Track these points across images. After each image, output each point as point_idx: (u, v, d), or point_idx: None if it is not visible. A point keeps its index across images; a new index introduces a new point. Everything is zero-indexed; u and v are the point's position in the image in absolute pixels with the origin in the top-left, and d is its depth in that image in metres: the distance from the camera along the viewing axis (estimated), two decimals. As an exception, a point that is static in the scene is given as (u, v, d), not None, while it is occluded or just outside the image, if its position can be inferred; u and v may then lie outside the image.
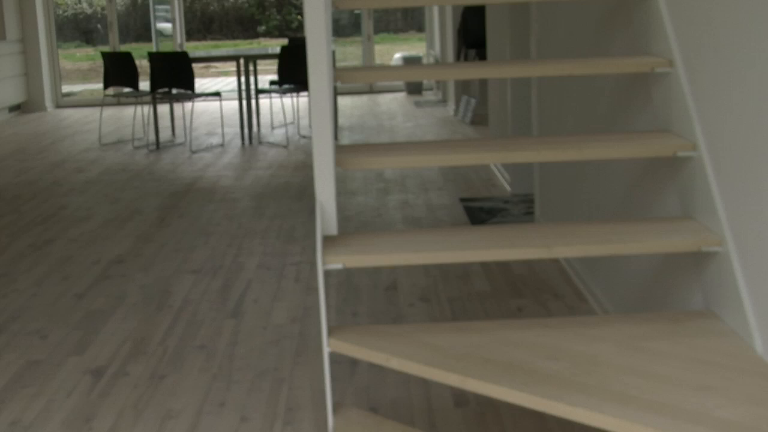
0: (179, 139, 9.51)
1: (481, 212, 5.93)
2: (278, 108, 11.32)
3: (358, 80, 2.94)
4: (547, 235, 2.65)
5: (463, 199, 6.31)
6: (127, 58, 8.95)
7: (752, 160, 2.33)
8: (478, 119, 9.57)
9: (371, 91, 13.31)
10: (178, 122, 10.35)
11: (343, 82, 2.88)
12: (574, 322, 2.58)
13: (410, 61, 13.35)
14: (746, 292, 2.40)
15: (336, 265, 2.53)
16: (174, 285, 4.70)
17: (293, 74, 8.75)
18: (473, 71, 3.06)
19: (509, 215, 5.84)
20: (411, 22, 20.10)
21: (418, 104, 11.68)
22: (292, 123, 10.28)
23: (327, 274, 4.63)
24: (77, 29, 21.94)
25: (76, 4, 21.84)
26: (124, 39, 14.64)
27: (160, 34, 13.50)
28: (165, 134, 9.69)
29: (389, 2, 3.27)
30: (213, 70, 19.29)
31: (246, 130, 9.40)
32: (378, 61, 14.57)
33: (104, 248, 5.45)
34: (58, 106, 13.01)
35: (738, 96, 2.41)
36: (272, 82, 9.36)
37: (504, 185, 6.67)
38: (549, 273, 4.63)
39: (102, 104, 10.40)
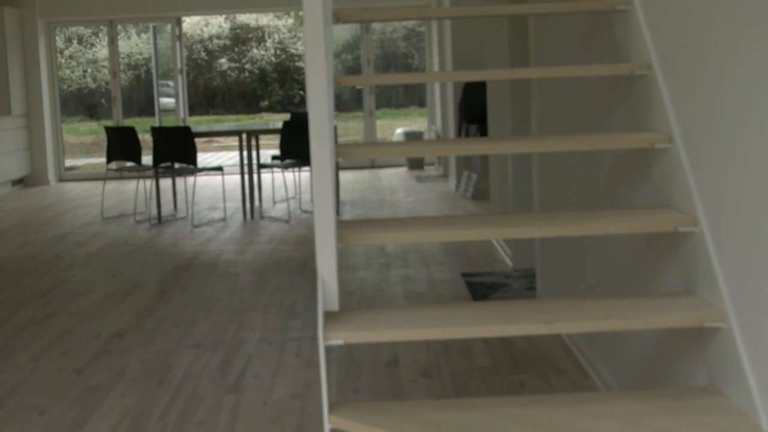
0: (181, 213, 9.54)
1: (482, 287, 5.92)
2: (280, 183, 11.38)
3: (359, 156, 2.96)
4: (549, 310, 2.65)
5: (464, 274, 6.31)
6: (130, 133, 9.03)
7: (753, 234, 2.34)
8: (480, 194, 9.61)
9: (373, 165, 13.38)
10: (180, 196, 10.39)
11: (345, 158, 2.90)
12: (577, 399, 2.56)
13: (411, 137, 13.45)
14: (750, 368, 2.38)
15: (337, 341, 2.51)
16: (174, 360, 4.67)
17: (295, 149, 8.81)
18: (474, 147, 3.08)
19: (511, 290, 5.82)
20: (412, 97, 20.29)
21: (419, 179, 11.74)
22: (294, 198, 10.32)
23: (328, 349, 4.60)
24: (81, 104, 22.16)
25: (80, 79, 22.09)
26: (127, 113, 14.78)
27: (164, 108, 13.63)
28: (167, 208, 9.73)
29: (390, 79, 3.31)
30: (215, 144, 19.43)
31: (248, 205, 9.43)
32: (380, 135, 14.68)
33: (105, 322, 5.43)
34: (61, 179, 13.08)
35: (737, 171, 2.42)
36: (274, 157, 9.42)
37: (505, 260, 6.67)
38: (551, 348, 4.60)
39: (105, 178, 10.45)
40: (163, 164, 8.90)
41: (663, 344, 3.14)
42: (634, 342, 3.48)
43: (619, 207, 3.48)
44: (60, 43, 20.53)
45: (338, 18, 3.20)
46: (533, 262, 5.91)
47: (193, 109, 21.58)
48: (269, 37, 23.71)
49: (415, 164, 12.99)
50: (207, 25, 23.65)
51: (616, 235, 3.58)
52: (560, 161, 4.69)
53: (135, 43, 22.00)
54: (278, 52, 23.68)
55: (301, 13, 18.68)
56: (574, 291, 4.52)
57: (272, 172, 11.48)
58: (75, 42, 22.06)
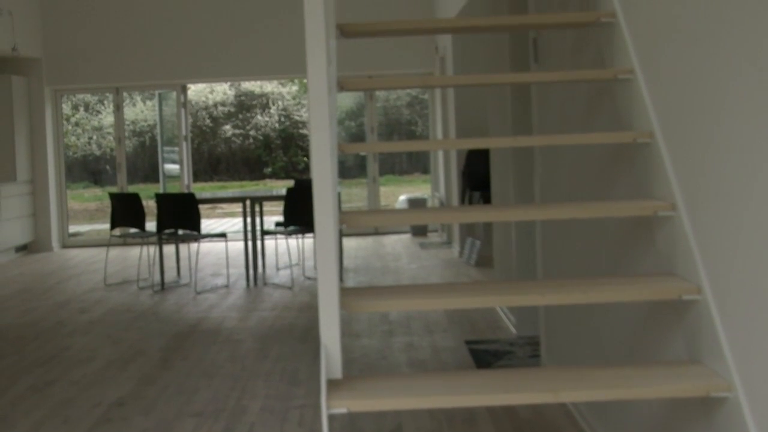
0: (184, 279, 9.52)
1: (486, 355, 5.88)
2: (284, 249, 11.38)
3: (363, 224, 2.97)
4: (554, 379, 2.62)
5: (468, 342, 6.27)
6: (134, 199, 9.06)
7: (758, 302, 2.33)
8: (483, 261, 9.60)
9: (376, 232, 13.39)
10: (183, 263, 10.39)
11: (349, 226, 2.91)
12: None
13: (415, 203, 13.48)
14: (757, 438, 2.35)
15: (340, 409, 2.49)
16: (175, 429, 4.63)
17: (299, 216, 8.82)
18: (477, 215, 3.08)
19: (515, 358, 5.79)
20: (416, 164, 20.40)
21: (423, 246, 11.74)
22: (297, 264, 10.31)
23: (331, 418, 4.55)
24: (86, 170, 22.28)
25: (85, 145, 22.24)
26: (132, 180, 14.86)
27: (168, 175, 13.70)
28: (170, 275, 9.72)
29: (393, 147, 3.33)
30: (219, 211, 19.48)
31: (251, 271, 9.42)
32: (383, 202, 14.71)
33: (106, 390, 5.39)
34: (64, 246, 13.09)
35: (741, 238, 2.42)
36: (278, 224, 9.44)
37: (509, 327, 6.64)
38: (556, 417, 4.56)
39: (108, 244, 10.46)
40: (166, 230, 8.91)
41: (669, 413, 3.10)
42: (640, 411, 3.44)
43: (623, 274, 3.47)
44: (67, 109, 20.71)
45: (342, 86, 3.23)
46: (537, 330, 5.87)
47: (198, 176, 21.69)
48: (273, 104, 23.92)
49: (419, 231, 13.00)
50: (212, 92, 23.87)
51: (620, 302, 3.57)
52: (564, 228, 4.69)
53: (140, 110, 22.20)
54: (282, 119, 23.87)
55: (305, 81, 18.83)
56: (578, 359, 4.49)
57: (276, 239, 11.48)
58: (81, 109, 22.25)
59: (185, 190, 13.00)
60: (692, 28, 2.75)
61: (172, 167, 13.59)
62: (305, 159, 22.86)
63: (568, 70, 4.28)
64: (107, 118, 21.34)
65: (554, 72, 4.37)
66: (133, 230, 9.68)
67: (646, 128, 3.13)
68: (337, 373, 2.68)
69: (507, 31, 6.09)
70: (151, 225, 9.18)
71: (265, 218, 10.10)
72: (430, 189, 14.34)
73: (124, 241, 12.32)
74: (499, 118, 6.78)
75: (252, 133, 24.03)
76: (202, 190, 21.26)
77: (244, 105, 24.08)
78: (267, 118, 23.91)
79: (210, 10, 12.69)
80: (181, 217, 8.71)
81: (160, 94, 13.96)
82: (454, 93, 10.78)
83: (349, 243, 12.21)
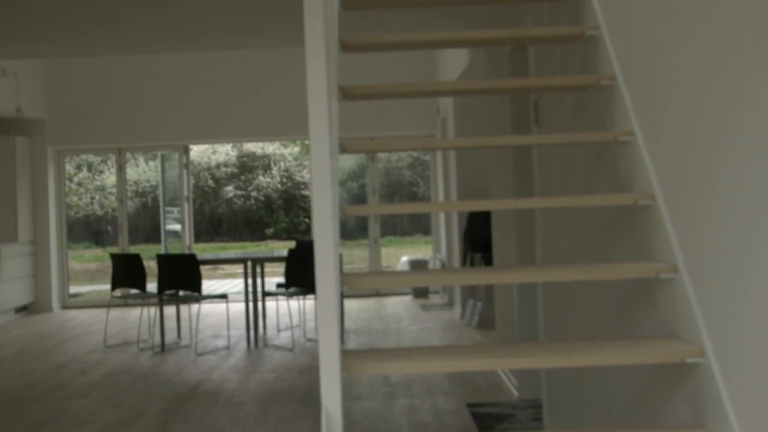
0: (185, 341, 9.48)
1: (488, 418, 5.83)
2: (285, 310, 11.34)
3: (365, 286, 2.96)
4: (557, 443, 2.60)
5: (470, 405, 6.22)
6: (135, 260, 9.05)
7: (762, 365, 2.31)
8: (485, 323, 9.56)
9: (378, 294, 13.36)
10: (184, 324, 10.35)
11: (351, 288, 2.90)
12: None
13: (416, 265, 13.46)
14: (764, 504, 2.32)
15: (340, 473, 2.46)
16: (173, 492, 4.57)
17: (300, 277, 8.81)
18: (478, 277, 3.08)
19: (517, 421, 5.73)
20: (417, 225, 20.42)
21: (424, 307, 11.70)
22: (298, 326, 10.27)
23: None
24: (87, 230, 22.31)
25: (87, 205, 22.30)
26: (133, 240, 14.87)
27: (169, 235, 13.71)
28: (171, 336, 9.67)
29: (395, 209, 3.33)
30: (220, 271, 19.47)
31: (252, 333, 9.38)
32: (384, 263, 14.70)
33: (104, 453, 5.33)
34: (64, 307, 13.05)
35: (743, 301, 2.41)
36: (279, 285, 9.42)
37: (511, 390, 6.59)
38: (559, 482, 4.50)
39: (108, 305, 10.43)
40: (167, 291, 8.90)
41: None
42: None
43: (626, 337, 3.45)
44: (69, 168, 20.80)
45: (344, 149, 3.24)
46: (540, 393, 5.83)
47: (199, 236, 21.72)
48: (275, 165, 24.03)
49: (420, 293, 12.97)
50: (214, 152, 24.00)
51: (623, 365, 3.54)
52: (566, 290, 4.68)
53: (143, 171, 22.30)
54: (284, 180, 23.96)
55: (307, 143, 18.95)
56: (581, 422, 4.45)
57: (277, 300, 11.45)
58: (84, 169, 22.36)
59: (186, 251, 12.99)
60: (692, 90, 2.77)
61: (173, 228, 13.61)
62: (306, 220, 22.91)
63: (569, 133, 4.31)
64: (110, 178, 21.43)
65: (555, 134, 4.39)
66: (133, 291, 9.66)
67: (647, 190, 3.13)
68: (338, 436, 2.65)
69: (508, 94, 6.14)
70: (152, 286, 9.17)
71: (267, 279, 10.09)
72: (431, 250, 14.33)
73: (125, 302, 12.29)
74: (500, 179, 6.80)
75: (254, 194, 24.11)
76: (204, 250, 21.26)
77: (246, 166, 24.19)
78: (269, 179, 24.01)
79: (212, 71, 12.80)
80: (182, 278, 8.70)
81: (162, 155, 14.03)
82: (455, 154, 10.82)
83: (350, 304, 12.17)
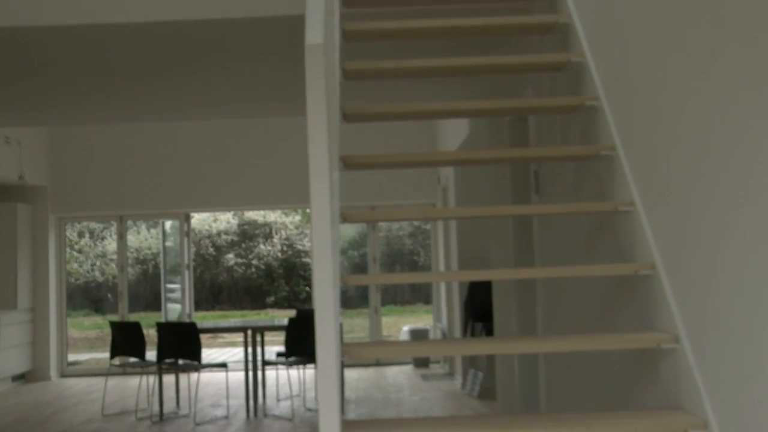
0: (183, 410, 9.39)
1: (489, 490, 5.74)
2: (285, 380, 11.26)
3: (366, 357, 2.95)
4: None
5: (471, 476, 6.13)
6: (134, 328, 9.01)
7: (766, 440, 2.29)
8: (486, 393, 9.48)
9: (378, 363, 13.28)
10: (183, 392, 10.26)
11: (351, 358, 2.89)
12: None
13: (417, 334, 13.40)
14: None
15: None
16: None
17: (300, 346, 8.76)
18: (479, 347, 3.06)
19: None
20: (418, 294, 20.38)
21: (425, 377, 11.62)
22: (298, 395, 10.19)
23: None
24: (87, 298, 22.26)
25: (88, 272, 22.27)
26: (133, 308, 14.82)
27: (170, 303, 13.67)
28: (169, 405, 9.59)
29: (396, 278, 3.33)
30: (220, 340, 19.37)
31: (251, 402, 9.30)
32: (385, 332, 14.64)
33: None
34: (62, 375, 12.96)
35: (746, 371, 2.40)
36: (279, 354, 9.37)
37: (513, 461, 6.50)
38: None
39: (107, 374, 10.36)
40: (167, 360, 8.84)
41: None
42: None
43: (628, 408, 3.43)
44: (70, 234, 20.83)
45: (345, 218, 3.25)
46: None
47: (199, 304, 21.65)
48: (276, 234, 24.06)
49: (421, 362, 12.89)
50: (215, 220, 24.05)
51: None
52: (567, 360, 4.65)
53: (144, 238, 22.32)
54: (285, 248, 23.97)
55: (308, 211, 19.02)
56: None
57: (277, 369, 11.37)
58: (86, 235, 22.38)
59: (186, 320, 12.95)
60: (691, 160, 2.79)
61: (174, 296, 13.58)
62: (307, 288, 22.86)
63: (570, 202, 4.32)
64: (111, 245, 21.44)
65: (555, 204, 4.41)
66: (132, 359, 9.59)
67: (648, 260, 3.14)
68: None
69: (508, 163, 6.17)
70: (151, 354, 9.12)
71: (267, 348, 10.04)
72: (432, 319, 14.28)
73: (124, 371, 12.20)
74: (500, 248, 6.80)
75: (254, 262, 24.10)
76: (204, 319, 21.20)
77: (247, 234, 24.22)
78: (270, 248, 24.02)
79: (213, 140, 12.89)
80: (181, 346, 8.65)
81: (163, 223, 14.07)
82: (456, 223, 10.84)
83: (350, 374, 12.09)
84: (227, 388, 9.74)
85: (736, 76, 2.45)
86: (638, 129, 3.30)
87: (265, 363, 9.55)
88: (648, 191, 3.21)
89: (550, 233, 4.99)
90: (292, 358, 8.92)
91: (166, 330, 8.80)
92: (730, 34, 2.49)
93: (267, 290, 23.99)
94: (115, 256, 14.81)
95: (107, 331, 11.22)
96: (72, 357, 14.32)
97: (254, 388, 9.27)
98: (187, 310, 13.24)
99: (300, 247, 23.85)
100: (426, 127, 12.69)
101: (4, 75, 6.12)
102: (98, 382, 11.92)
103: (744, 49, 2.40)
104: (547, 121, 4.86)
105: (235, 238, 24.23)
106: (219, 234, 24.14)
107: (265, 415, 8.97)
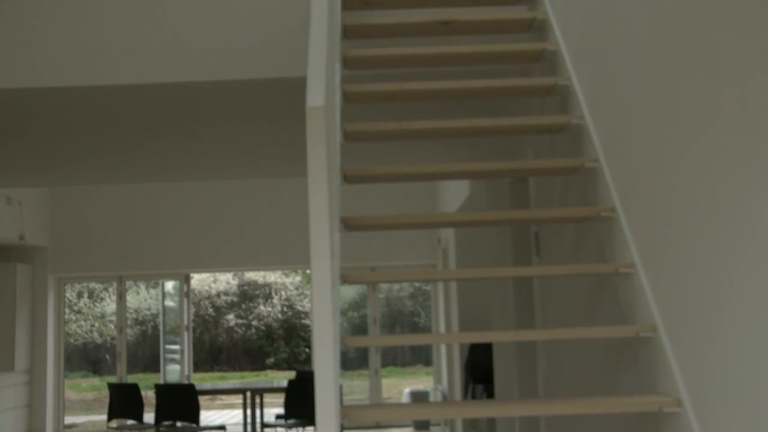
0: (181, 473, 9.28)
1: None
2: (283, 442, 11.15)
3: (366, 419, 2.92)
4: None
5: None
6: (133, 390, 8.95)
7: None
8: (487, 455, 9.37)
9: (378, 426, 13.15)
10: (180, 455, 10.15)
11: (351, 421, 2.86)
12: None
13: (417, 397, 13.31)
14: None
15: None
16: None
17: (300, 408, 8.69)
18: (480, 410, 3.03)
19: None
20: (419, 355, 20.26)
21: (425, 439, 11.50)
22: (297, 457, 10.08)
23: None
24: (85, 359, 22.11)
25: (87, 333, 22.16)
26: (131, 369, 14.73)
27: (169, 364, 13.59)
28: (166, 468, 9.48)
29: (396, 340, 3.31)
30: (219, 402, 19.21)
31: (249, 465, 9.20)
32: (385, 394, 14.52)
33: None
34: (59, 437, 12.84)
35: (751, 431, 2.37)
36: (278, 416, 9.29)
37: None
38: None
39: (105, 436, 10.26)
40: (165, 422, 8.76)
41: None
42: None
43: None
44: (70, 294, 20.76)
45: (345, 279, 3.24)
46: None
47: (198, 366, 21.52)
48: (276, 294, 23.99)
49: (421, 425, 12.77)
50: (215, 281, 24.00)
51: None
52: (568, 422, 4.61)
53: (144, 298, 22.24)
54: (285, 309, 23.88)
55: (308, 272, 18.99)
56: None
57: (276, 431, 11.24)
58: (85, 296, 22.31)
59: (185, 381, 12.86)
60: (692, 222, 2.79)
61: (173, 356, 13.50)
62: (307, 350, 22.73)
63: (570, 264, 4.31)
64: (110, 305, 21.36)
65: (556, 266, 4.40)
66: (130, 422, 9.50)
67: (648, 322, 3.12)
68: None
69: (509, 225, 6.17)
70: (149, 416, 9.04)
71: (266, 410, 9.94)
72: (432, 381, 14.19)
73: (121, 433, 12.08)
74: (501, 309, 6.78)
75: (254, 323, 24.00)
76: (203, 380, 21.04)
77: (247, 295, 24.15)
78: (270, 308, 23.93)
79: (213, 200, 12.91)
80: (180, 408, 8.58)
81: (163, 283, 14.04)
82: (456, 284, 10.82)
83: (350, 436, 11.96)
84: (225, 450, 9.64)
85: (733, 139, 2.47)
86: (638, 190, 3.31)
87: (264, 425, 9.46)
88: (648, 253, 3.20)
89: (550, 294, 4.97)
90: (291, 421, 8.83)
91: (165, 392, 8.74)
92: (727, 96, 2.50)
93: (267, 351, 23.85)
94: (114, 317, 14.76)
95: (105, 393, 11.13)
96: (69, 419, 14.18)
97: (253, 451, 9.17)
98: (186, 372, 13.15)
99: (300, 308, 23.77)
100: (426, 187, 12.73)
101: (6, 136, 6.15)
102: (95, 444, 11.80)
103: (741, 112, 2.41)
104: (548, 183, 4.87)
105: (235, 299, 24.16)
106: (219, 295, 24.07)
107: (264, 479, 8.86)
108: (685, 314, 2.84)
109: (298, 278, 24.04)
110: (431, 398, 13.49)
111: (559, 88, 4.16)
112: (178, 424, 8.94)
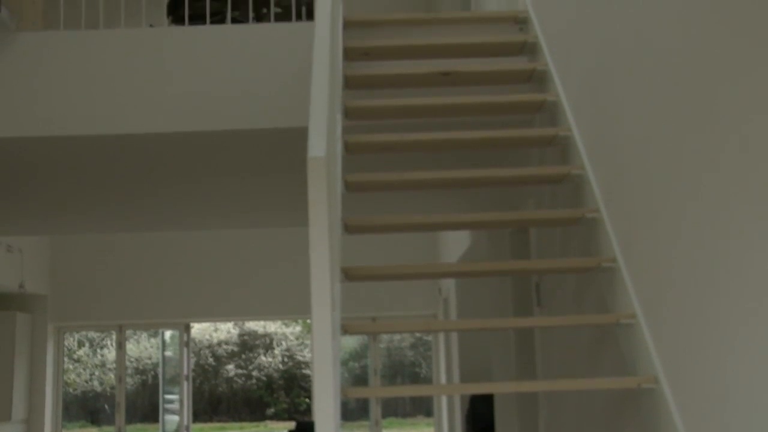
0: None
1: None
2: (282, 493, 11.03)
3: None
4: None
5: None
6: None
7: None
8: None
9: (378, 477, 13.02)
10: (178, 507, 10.04)
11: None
12: None
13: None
14: None
15: None
16: None
17: (299, 459, 8.62)
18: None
19: None
20: (419, 406, 20.11)
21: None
22: None
23: None
24: (84, 408, 21.94)
25: (86, 382, 22.03)
26: (130, 419, 14.63)
27: (167, 414, 13.49)
28: None
29: (397, 391, 3.29)
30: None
31: None
32: (385, 445, 14.38)
33: None
34: (55, 490, 12.70)
35: (754, 492, 2.35)
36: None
37: None
38: None
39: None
40: (163, 473, 8.68)
41: None
42: None
43: None
44: (69, 343, 20.66)
45: (346, 330, 3.23)
46: None
47: (197, 416, 21.36)
48: (278, 345, 23.88)
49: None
50: (216, 330, 23.90)
51: None
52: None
53: (144, 347, 22.14)
54: (285, 359, 23.76)
55: (309, 322, 18.93)
56: None
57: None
58: (86, 345, 22.21)
59: (184, 431, 12.75)
60: (692, 273, 2.78)
61: (172, 406, 13.41)
62: (307, 400, 22.58)
63: (571, 314, 4.30)
64: (110, 354, 21.25)
65: (557, 317, 4.40)
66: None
67: (650, 373, 3.10)
68: None
69: (510, 275, 6.17)
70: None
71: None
72: (433, 432, 14.07)
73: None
74: (502, 360, 6.74)
75: (255, 373, 23.86)
76: (201, 431, 20.89)
77: (248, 344, 24.04)
78: (270, 359, 23.81)
79: (214, 249, 12.90)
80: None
81: (163, 333, 13.99)
82: (457, 335, 10.77)
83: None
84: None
85: (734, 189, 2.47)
86: (639, 241, 3.31)
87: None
88: (649, 303, 3.20)
89: (552, 345, 4.95)
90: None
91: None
92: (727, 146, 2.51)
93: (267, 402, 23.68)
94: (114, 366, 14.68)
95: (103, 444, 11.04)
96: (66, 470, 14.05)
97: (252, 503, 9.08)
98: (185, 422, 13.05)
99: (300, 358, 23.65)
100: (427, 236, 12.72)
101: (10, 185, 6.17)
102: (93, 495, 11.67)
103: (741, 162, 2.42)
104: (548, 233, 4.88)
105: (235, 349, 24.05)
106: (219, 344, 23.96)
107: None
108: (688, 365, 2.83)
109: (298, 328, 23.95)
110: (432, 449, 13.37)
111: (560, 139, 4.18)
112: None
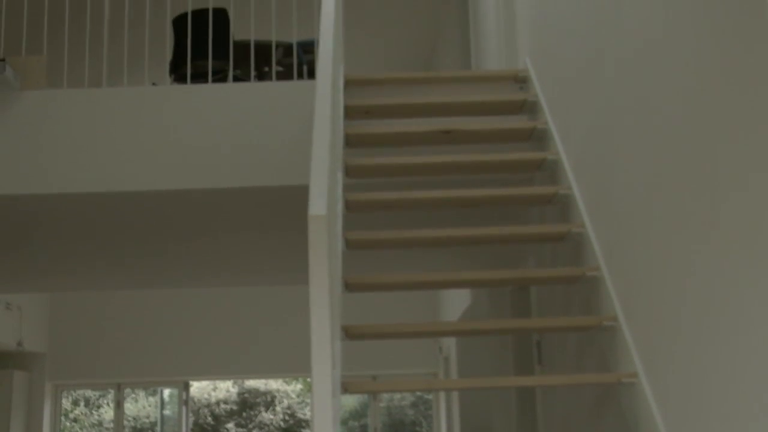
0: None
1: None
2: None
3: None
4: None
5: None
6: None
7: None
8: None
9: None
10: None
11: None
12: None
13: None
14: None
15: None
16: None
17: None
18: None
19: None
20: (419, 466, 19.88)
21: None
22: None
23: None
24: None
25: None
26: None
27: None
28: None
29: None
30: None
31: None
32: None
33: None
34: None
35: None
36: None
37: None
38: None
39: None
40: None
41: None
42: None
43: None
44: (66, 404, 20.49)
45: (347, 389, 3.21)
46: None
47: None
48: (279, 403, 23.69)
49: None
50: (215, 389, 23.72)
51: None
52: None
53: (142, 406, 21.94)
54: (287, 417, 23.55)
55: (309, 380, 18.79)
56: None
57: None
58: (82, 404, 22.03)
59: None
60: (694, 332, 2.77)
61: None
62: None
63: (572, 373, 4.28)
64: (108, 413, 21.06)
65: (558, 376, 4.37)
66: None
67: (654, 434, 3.08)
68: None
69: (510, 334, 6.14)
70: None
71: None
72: (434, 492, 13.90)
73: None
74: (503, 419, 6.68)
75: (256, 431, 23.63)
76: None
77: (248, 402, 23.84)
78: (271, 416, 23.61)
79: (213, 307, 12.86)
80: None
81: (161, 391, 13.89)
82: (458, 393, 10.70)
83: None
84: None
85: (736, 247, 2.47)
86: (640, 299, 3.30)
87: None
88: (651, 362, 3.18)
89: (553, 404, 4.91)
90: None
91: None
92: (727, 204, 2.51)
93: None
94: (111, 425, 14.54)
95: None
96: None
97: None
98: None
99: (301, 416, 23.44)
100: (428, 293, 12.69)
101: (8, 241, 6.17)
102: None
103: (742, 220, 2.42)
104: (549, 291, 4.86)
105: (235, 407, 23.84)
106: (218, 403, 23.76)
107: None
108: (692, 426, 2.81)
109: (299, 386, 23.78)
110: None
111: (560, 197, 4.19)
112: None
